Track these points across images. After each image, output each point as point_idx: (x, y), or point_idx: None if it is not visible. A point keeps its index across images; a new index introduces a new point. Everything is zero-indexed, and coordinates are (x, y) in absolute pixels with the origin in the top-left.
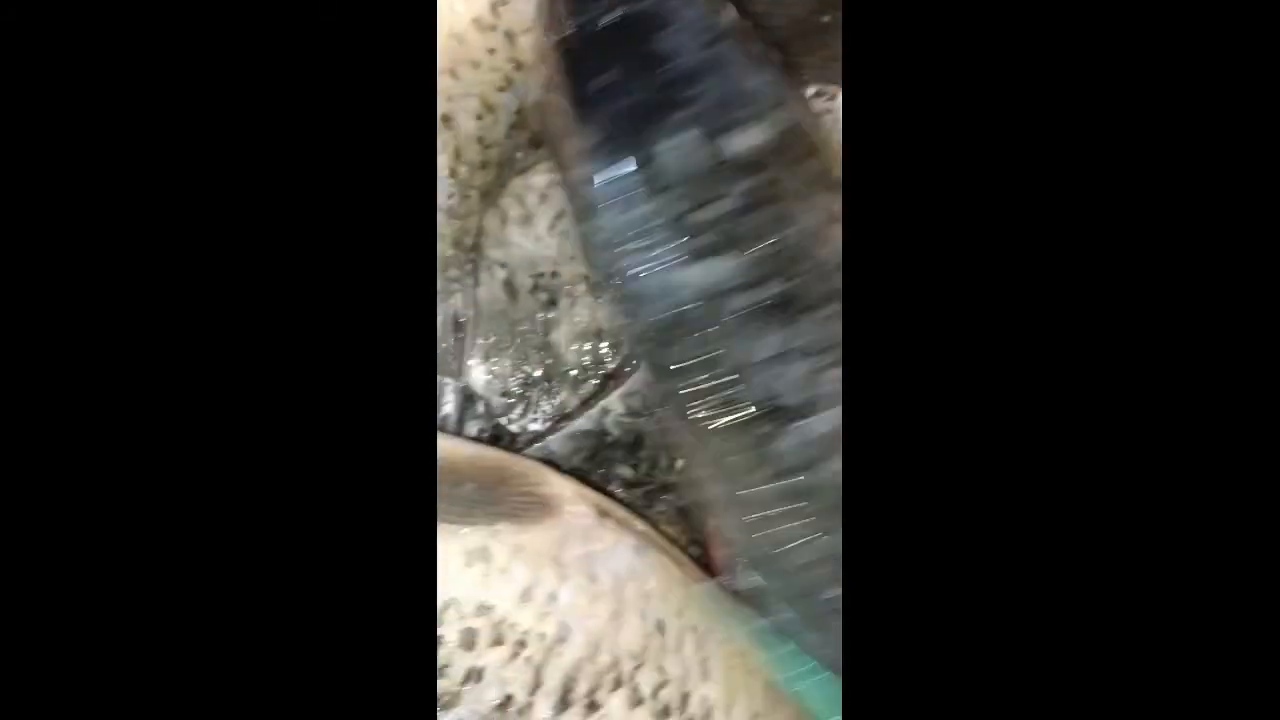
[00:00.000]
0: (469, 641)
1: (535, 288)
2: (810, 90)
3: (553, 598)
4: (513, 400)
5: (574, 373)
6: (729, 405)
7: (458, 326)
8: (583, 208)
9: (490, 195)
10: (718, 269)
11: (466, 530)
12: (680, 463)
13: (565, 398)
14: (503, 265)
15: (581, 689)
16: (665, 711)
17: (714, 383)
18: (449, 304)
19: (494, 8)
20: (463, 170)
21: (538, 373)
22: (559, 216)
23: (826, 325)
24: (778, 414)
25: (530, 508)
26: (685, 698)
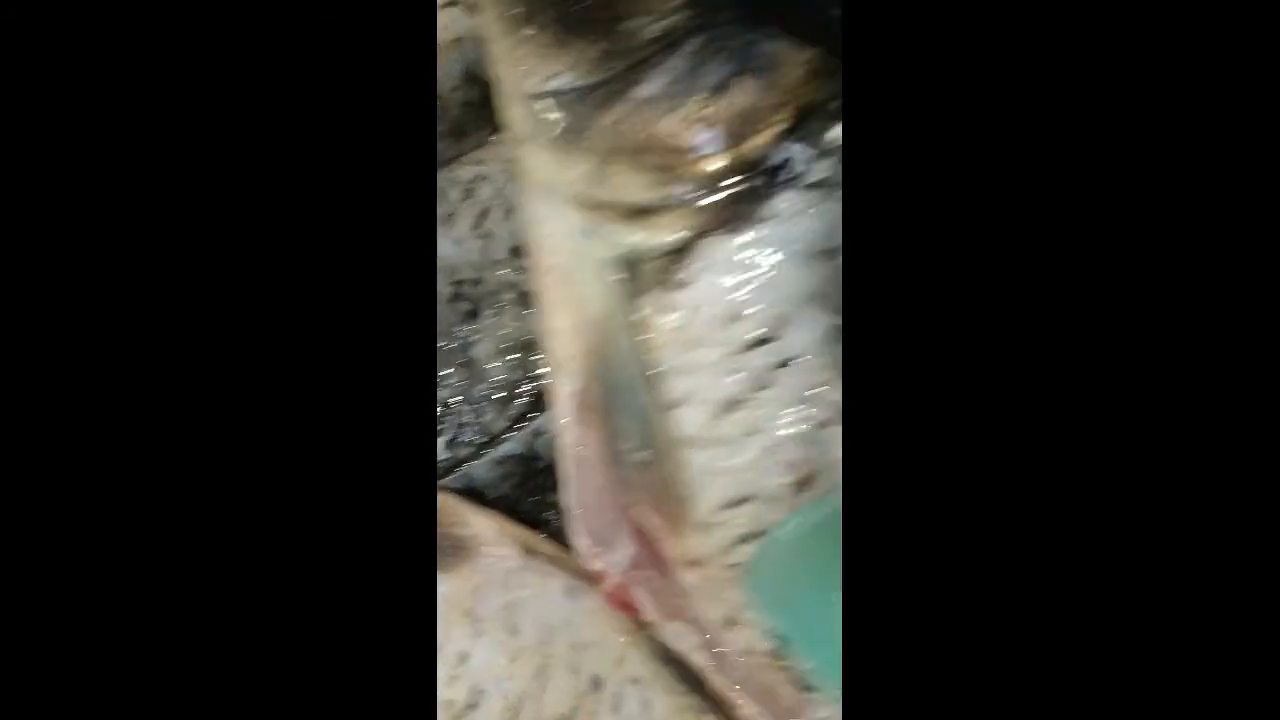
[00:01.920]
0: None
1: (455, 296)
2: None
3: (463, 658)
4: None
5: (501, 391)
6: None
7: None
8: None
9: None
10: None
11: None
12: None
13: (491, 418)
14: None
15: None
16: None
17: None
18: None
19: None
20: None
21: (458, 392)
22: (483, 215)
23: None
24: None
25: (442, 553)
26: None
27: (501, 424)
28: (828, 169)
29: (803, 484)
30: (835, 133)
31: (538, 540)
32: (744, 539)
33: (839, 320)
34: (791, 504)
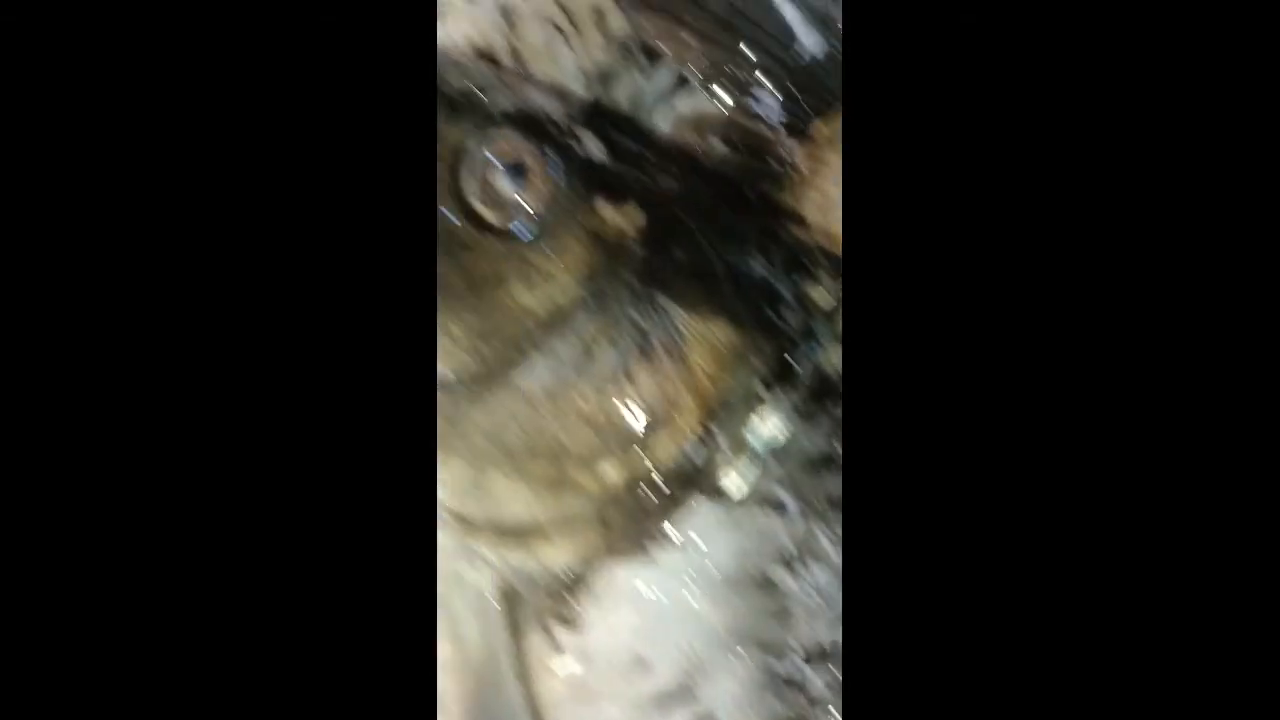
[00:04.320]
0: None
1: None
2: None
3: None
4: None
5: None
6: None
7: None
8: None
9: None
10: None
11: None
12: None
13: None
14: None
15: None
16: None
17: None
18: None
19: None
20: None
21: None
22: None
23: None
24: None
25: None
26: None
27: None
28: (752, 473)
29: None
30: (770, 428)
31: None
32: None
33: (772, 661)
34: None
